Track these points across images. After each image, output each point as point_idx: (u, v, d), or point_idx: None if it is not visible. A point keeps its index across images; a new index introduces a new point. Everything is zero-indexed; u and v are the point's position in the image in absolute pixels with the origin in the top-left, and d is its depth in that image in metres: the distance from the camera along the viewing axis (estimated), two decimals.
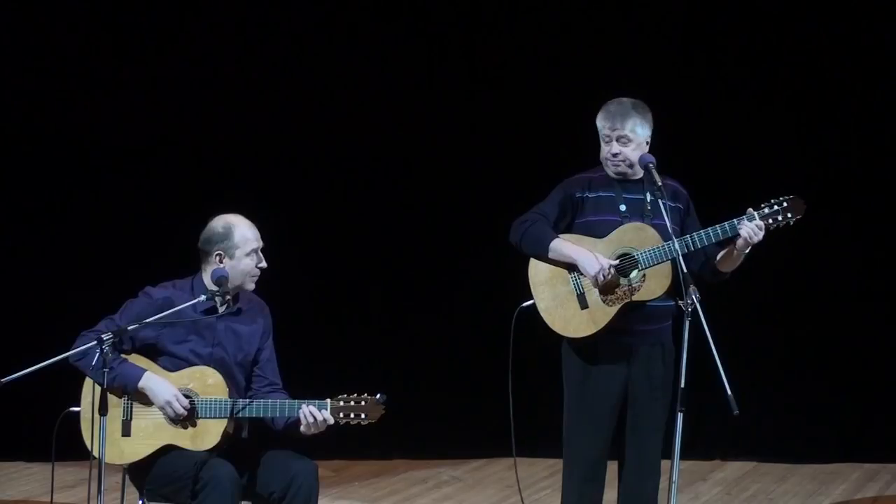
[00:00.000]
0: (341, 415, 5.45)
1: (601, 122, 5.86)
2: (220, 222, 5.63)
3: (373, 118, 8.91)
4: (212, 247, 5.59)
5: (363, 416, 5.44)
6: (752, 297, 8.63)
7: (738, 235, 5.70)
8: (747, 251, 5.76)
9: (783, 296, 8.85)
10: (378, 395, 5.45)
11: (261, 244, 5.63)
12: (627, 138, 5.82)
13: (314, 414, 5.43)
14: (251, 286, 5.64)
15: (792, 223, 5.76)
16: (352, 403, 5.45)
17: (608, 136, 5.84)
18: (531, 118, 8.75)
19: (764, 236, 5.72)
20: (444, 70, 8.97)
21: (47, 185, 8.81)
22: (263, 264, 5.62)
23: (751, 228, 5.69)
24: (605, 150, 5.86)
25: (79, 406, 5.49)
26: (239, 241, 5.58)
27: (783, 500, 8.10)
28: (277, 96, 8.89)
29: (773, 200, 5.76)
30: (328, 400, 5.45)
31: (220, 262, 5.59)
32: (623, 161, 5.84)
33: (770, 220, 5.72)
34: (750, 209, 5.75)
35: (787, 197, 5.76)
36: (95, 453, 5.33)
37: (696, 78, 8.79)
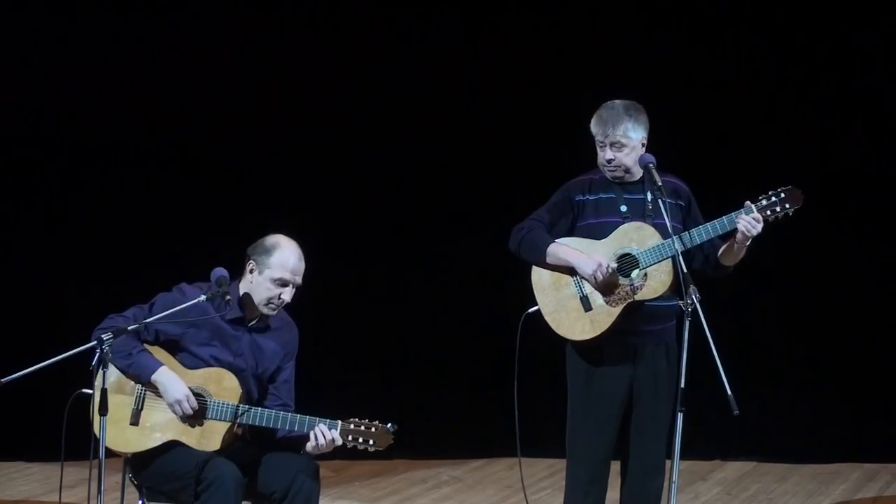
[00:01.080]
0: (350, 437, 5.45)
1: (594, 129, 5.87)
2: (272, 238, 5.60)
3: (377, 128, 8.91)
4: (252, 255, 5.58)
5: (371, 442, 5.45)
6: (752, 297, 8.64)
7: (737, 229, 5.72)
8: (748, 244, 5.77)
9: (783, 296, 8.84)
10: (389, 425, 5.45)
11: (296, 281, 5.55)
12: (621, 143, 5.82)
13: (325, 433, 5.42)
14: (267, 312, 5.58)
15: (791, 214, 5.77)
16: (362, 428, 5.45)
17: (601, 142, 5.85)
18: (537, 123, 8.75)
19: (763, 228, 5.72)
20: (448, 79, 8.97)
21: (51, 186, 8.80)
22: (284, 298, 5.54)
23: (748, 221, 5.70)
24: (600, 156, 5.88)
25: (90, 389, 5.45)
26: (273, 263, 5.54)
27: (783, 500, 8.10)
28: (277, 104, 8.91)
29: (770, 192, 5.77)
30: (339, 421, 5.45)
31: (251, 272, 5.57)
32: (618, 167, 5.85)
33: (768, 212, 5.73)
34: (748, 202, 5.75)
35: (784, 188, 5.77)
36: (97, 435, 5.32)
37: (694, 73, 8.78)
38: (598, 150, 5.88)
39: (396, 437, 5.46)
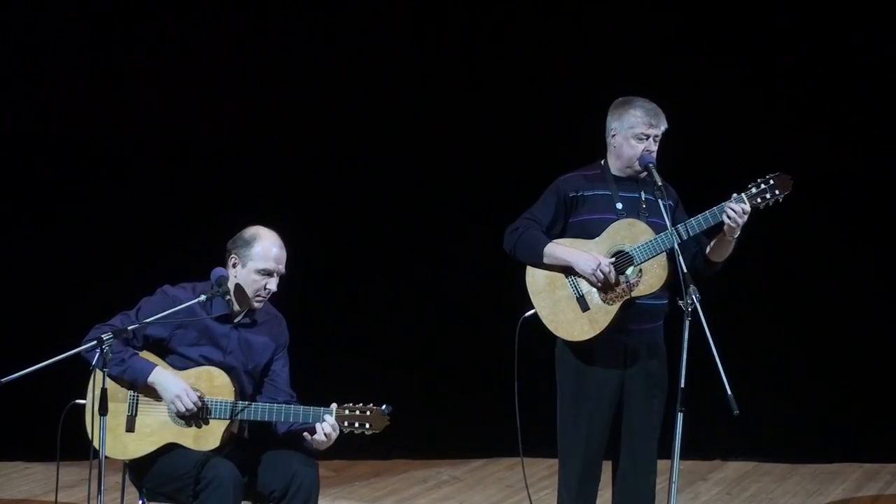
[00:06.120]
0: (346, 423, 5.44)
1: (640, 119, 5.76)
2: (250, 230, 5.59)
3: (377, 128, 8.91)
4: (233, 249, 5.57)
5: (367, 425, 5.44)
6: (752, 297, 8.64)
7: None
8: (735, 236, 5.73)
9: (783, 296, 8.85)
10: (384, 406, 5.44)
11: (279, 269, 5.54)
12: (658, 136, 5.79)
13: (325, 430, 5.41)
14: (256, 305, 5.58)
15: (781, 200, 5.73)
16: (357, 413, 5.44)
17: (645, 134, 5.77)
18: (534, 125, 8.76)
19: (752, 217, 5.68)
20: (447, 77, 8.98)
21: (52, 186, 8.81)
22: (270, 287, 5.54)
23: (734, 209, 5.66)
24: (638, 149, 5.77)
25: (84, 399, 5.47)
26: (255, 255, 5.53)
27: (783, 500, 8.10)
28: (277, 102, 8.91)
29: (759, 179, 5.74)
30: (334, 406, 5.45)
31: (234, 266, 5.56)
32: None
33: (758, 199, 5.71)
34: (735, 194, 5.73)
35: (772, 174, 5.74)
36: (96, 445, 5.32)
37: (691, 73, 8.77)
38: (635, 142, 5.77)
39: (392, 421, 5.44)
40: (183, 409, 5.44)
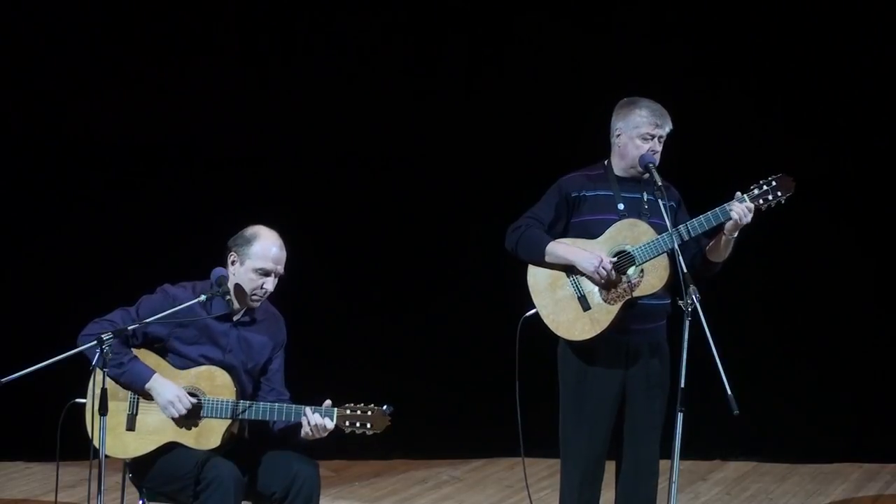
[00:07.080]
0: (347, 423, 5.44)
1: (646, 119, 5.77)
2: (251, 229, 5.59)
3: (378, 128, 8.91)
4: (233, 247, 5.57)
5: (368, 425, 5.44)
6: (751, 297, 8.64)
7: (730, 219, 5.68)
8: (734, 236, 5.73)
9: (783, 295, 8.85)
10: (385, 407, 5.43)
11: (278, 269, 5.54)
12: (663, 137, 5.79)
13: (315, 420, 5.41)
14: (252, 304, 5.58)
15: (783, 202, 5.74)
16: (358, 413, 5.44)
17: (651, 134, 5.77)
18: (534, 126, 8.76)
19: (753, 218, 5.68)
20: (447, 80, 8.98)
21: (52, 185, 8.80)
22: (267, 287, 5.54)
23: (741, 209, 5.66)
24: (643, 149, 5.78)
25: (84, 398, 5.47)
26: (254, 253, 5.52)
27: (783, 500, 8.10)
28: (279, 103, 8.91)
29: (761, 181, 5.74)
30: (335, 408, 5.44)
31: (232, 264, 5.56)
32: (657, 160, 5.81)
33: (761, 201, 5.71)
34: (738, 193, 5.73)
35: (775, 176, 5.74)
36: (97, 445, 5.32)
37: (689, 72, 8.78)
38: (640, 141, 5.78)
39: (393, 421, 5.44)
40: (176, 415, 5.44)
